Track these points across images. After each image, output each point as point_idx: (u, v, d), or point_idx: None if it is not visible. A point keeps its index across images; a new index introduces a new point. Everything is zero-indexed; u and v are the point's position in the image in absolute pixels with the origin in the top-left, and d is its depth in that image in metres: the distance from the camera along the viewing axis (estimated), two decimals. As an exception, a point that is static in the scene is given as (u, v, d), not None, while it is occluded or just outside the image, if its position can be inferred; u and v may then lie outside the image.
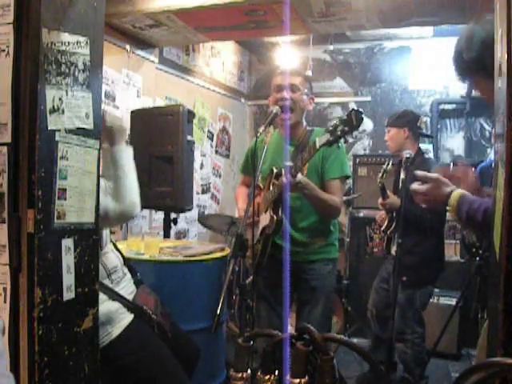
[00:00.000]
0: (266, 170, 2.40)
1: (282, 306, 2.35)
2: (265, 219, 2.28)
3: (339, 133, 1.86)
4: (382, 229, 3.11)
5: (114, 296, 1.82)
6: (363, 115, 1.84)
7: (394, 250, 3.10)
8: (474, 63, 1.40)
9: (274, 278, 2.34)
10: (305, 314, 2.38)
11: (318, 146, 1.96)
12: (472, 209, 1.43)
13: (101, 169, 1.67)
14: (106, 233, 1.90)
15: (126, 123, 1.94)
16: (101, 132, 1.80)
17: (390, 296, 3.10)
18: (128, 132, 1.93)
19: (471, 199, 1.49)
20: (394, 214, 3.01)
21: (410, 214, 2.67)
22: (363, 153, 5.14)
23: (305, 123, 2.46)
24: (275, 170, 2.28)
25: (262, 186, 2.42)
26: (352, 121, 1.84)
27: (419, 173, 1.64)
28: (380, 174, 2.96)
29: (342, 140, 1.90)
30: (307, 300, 2.40)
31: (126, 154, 1.82)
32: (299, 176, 2.10)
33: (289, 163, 2.11)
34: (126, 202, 1.75)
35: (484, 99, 1.54)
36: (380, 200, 2.98)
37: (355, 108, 1.88)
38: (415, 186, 1.65)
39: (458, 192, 1.54)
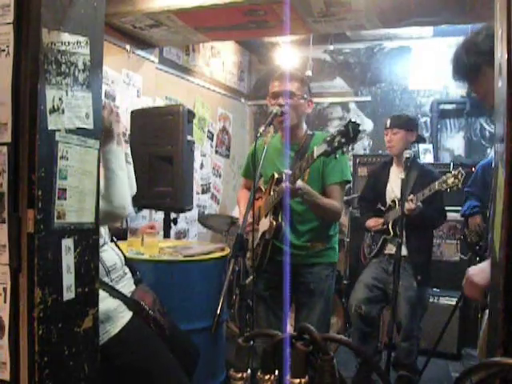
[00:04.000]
0: (267, 174, 2.39)
1: (280, 308, 2.34)
2: (265, 224, 2.28)
3: (336, 144, 1.86)
4: (393, 233, 3.03)
5: (114, 293, 1.83)
6: (360, 127, 1.83)
7: (389, 249, 3.11)
8: (478, 64, 1.43)
9: (273, 280, 2.35)
10: (302, 317, 2.38)
11: (315, 155, 1.98)
12: None
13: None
14: (104, 234, 1.90)
15: (120, 124, 1.89)
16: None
17: (383, 295, 3.10)
18: (123, 131, 1.90)
19: None
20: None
21: (420, 214, 2.76)
22: (363, 153, 5.14)
23: (305, 127, 2.45)
24: (276, 176, 2.28)
25: (263, 189, 2.42)
26: (349, 133, 1.82)
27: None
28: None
29: (339, 151, 1.88)
30: (305, 303, 2.40)
31: (115, 156, 1.80)
32: (299, 182, 2.10)
33: (288, 171, 2.10)
34: (114, 203, 1.75)
35: (483, 102, 1.54)
36: (412, 205, 2.81)
37: (352, 120, 1.85)
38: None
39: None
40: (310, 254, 2.38)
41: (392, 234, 3.02)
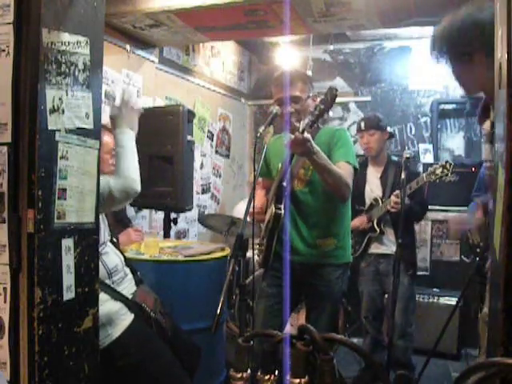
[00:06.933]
0: (275, 173, 2.39)
1: (282, 308, 2.31)
2: (269, 213, 2.27)
3: (317, 112, 1.95)
4: (379, 231, 3.08)
5: (116, 296, 1.82)
6: (337, 92, 1.93)
7: (375, 248, 3.13)
8: (471, 50, 1.44)
9: (280, 278, 2.32)
10: (312, 320, 2.36)
11: (300, 129, 2.00)
12: None
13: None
14: (104, 232, 1.90)
15: (136, 111, 2.01)
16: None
17: (383, 297, 3.13)
18: (135, 119, 1.99)
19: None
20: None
21: (409, 210, 2.78)
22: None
23: None
24: (280, 166, 2.29)
25: None
26: (328, 98, 1.93)
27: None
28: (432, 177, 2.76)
29: (321, 120, 1.98)
30: (314, 306, 2.38)
31: (127, 136, 1.91)
32: (307, 134, 2.01)
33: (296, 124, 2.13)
34: (126, 177, 1.81)
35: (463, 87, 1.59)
36: (397, 199, 2.83)
37: (332, 86, 1.95)
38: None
39: None
40: (319, 254, 2.31)
41: (378, 231, 3.05)
